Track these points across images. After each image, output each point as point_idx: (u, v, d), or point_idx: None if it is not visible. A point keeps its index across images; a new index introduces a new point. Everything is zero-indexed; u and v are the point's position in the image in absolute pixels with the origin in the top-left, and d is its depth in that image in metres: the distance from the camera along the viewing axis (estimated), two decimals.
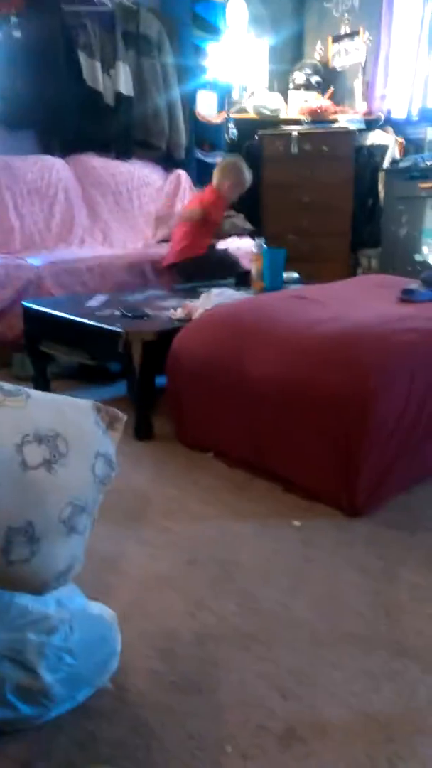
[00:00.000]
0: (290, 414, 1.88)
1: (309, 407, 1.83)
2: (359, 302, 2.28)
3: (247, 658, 1.29)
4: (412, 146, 4.01)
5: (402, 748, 1.09)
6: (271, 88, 4.72)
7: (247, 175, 3.30)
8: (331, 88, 4.50)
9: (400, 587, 1.49)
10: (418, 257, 3.77)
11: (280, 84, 4.73)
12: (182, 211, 3.46)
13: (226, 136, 4.43)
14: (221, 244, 3.50)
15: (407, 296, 2.30)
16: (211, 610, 1.43)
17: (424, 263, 3.67)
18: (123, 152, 4.05)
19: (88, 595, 1.25)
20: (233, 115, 4.53)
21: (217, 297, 2.60)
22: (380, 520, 1.76)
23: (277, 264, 2.99)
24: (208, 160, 4.40)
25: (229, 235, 3.52)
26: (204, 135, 4.45)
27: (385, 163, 4.01)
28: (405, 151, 4.00)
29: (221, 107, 4.54)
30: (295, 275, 3.06)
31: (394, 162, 3.96)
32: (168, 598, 1.48)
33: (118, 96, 3.90)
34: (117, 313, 2.54)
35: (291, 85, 4.65)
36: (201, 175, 4.28)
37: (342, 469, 1.76)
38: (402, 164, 3.92)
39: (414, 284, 2.39)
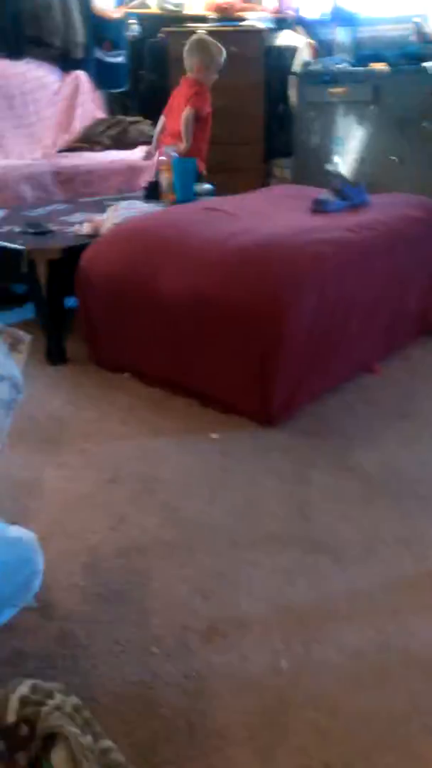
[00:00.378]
0: (205, 329, 1.87)
1: (223, 321, 1.82)
2: (271, 214, 2.25)
3: (170, 565, 1.33)
4: (322, 48, 3.86)
5: (316, 633, 1.18)
6: None
7: (215, 49, 3.03)
8: None
9: (312, 488, 1.57)
10: (329, 166, 3.74)
11: None
12: (182, 120, 3.06)
13: (126, 33, 4.09)
14: None
15: (319, 207, 2.28)
16: (132, 523, 1.46)
17: (336, 172, 3.64)
18: (13, 50, 3.65)
19: (7, 520, 1.23)
20: (134, 10, 4.17)
21: (125, 210, 2.47)
22: (294, 427, 1.83)
23: (188, 174, 2.87)
24: (109, 59, 4.07)
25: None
26: (103, 32, 4.09)
27: (296, 67, 3.86)
28: (316, 53, 3.85)
29: (120, 1, 4.16)
30: (208, 186, 2.96)
31: (304, 65, 3.82)
32: (89, 516, 1.49)
33: None
34: (17, 229, 2.38)
35: None
36: (102, 75, 3.96)
37: (257, 380, 1.79)
38: (312, 68, 3.78)
39: (325, 194, 2.37)
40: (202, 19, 4.10)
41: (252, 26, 4.00)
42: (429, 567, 1.32)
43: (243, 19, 4.05)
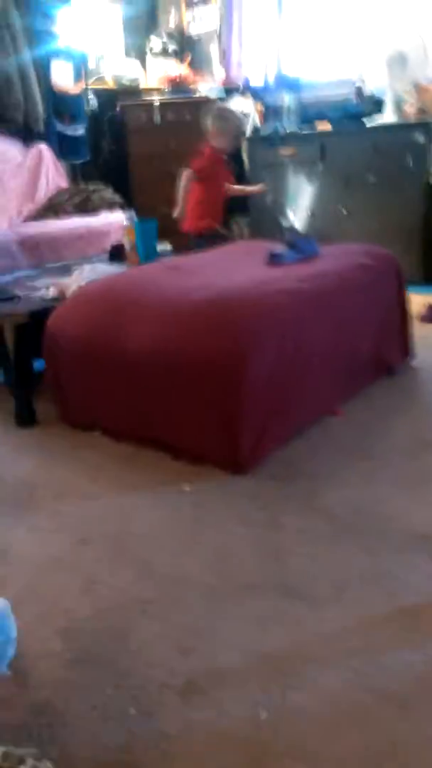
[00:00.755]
0: (170, 383, 1.91)
1: (187, 374, 1.87)
2: (230, 269, 2.34)
3: (145, 622, 1.33)
4: (270, 113, 4.10)
5: (292, 679, 1.17)
6: (128, 56, 4.61)
7: (229, 116, 3.22)
8: (189, 55, 4.48)
9: (282, 533, 1.59)
10: (284, 222, 3.91)
11: (138, 52, 4.64)
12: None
13: (86, 107, 4.29)
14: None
15: (274, 260, 2.38)
16: (105, 583, 1.45)
17: (288, 227, 3.81)
18: None
19: None
20: (91, 85, 4.40)
21: (89, 273, 2.55)
22: (262, 474, 1.85)
23: (150, 236, 2.98)
24: (69, 132, 4.25)
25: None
26: (63, 106, 4.29)
27: (247, 131, 4.08)
28: (264, 118, 4.08)
29: (78, 77, 4.38)
30: (168, 246, 3.07)
31: (255, 129, 4.04)
32: (62, 579, 1.47)
33: None
34: None
35: (149, 53, 4.57)
36: (63, 148, 4.14)
37: (223, 430, 1.83)
38: (262, 131, 4.00)
39: (280, 248, 2.48)
40: (156, 92, 4.34)
41: (203, 96, 4.24)
42: (398, 603, 1.34)
43: (195, 90, 4.29)
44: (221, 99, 4.22)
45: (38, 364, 2.28)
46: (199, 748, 1.06)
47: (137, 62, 4.56)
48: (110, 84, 4.46)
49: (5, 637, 1.20)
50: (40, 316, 2.23)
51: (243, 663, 1.22)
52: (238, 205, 4.19)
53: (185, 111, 4.19)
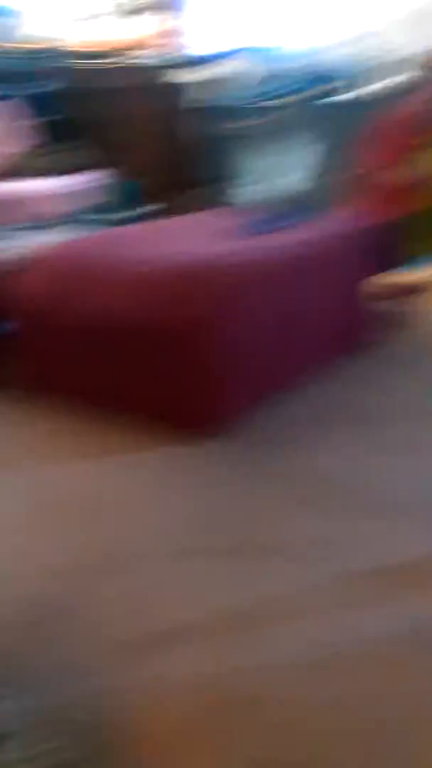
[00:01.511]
0: (135, 349, 1.91)
1: (150, 340, 1.87)
2: (198, 236, 2.32)
3: (110, 580, 1.33)
4: (226, 83, 3.97)
5: (258, 633, 1.19)
6: (94, 17, 4.44)
7: None
8: (152, 17, 4.32)
9: (254, 496, 1.62)
10: (232, 197, 3.83)
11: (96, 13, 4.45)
12: None
13: (46, 65, 4.11)
14: None
15: (246, 229, 2.35)
16: (71, 540, 1.45)
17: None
18: None
19: None
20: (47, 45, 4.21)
21: (56, 235, 2.50)
22: (233, 438, 1.86)
23: (125, 198, 2.90)
24: (39, 89, 4.07)
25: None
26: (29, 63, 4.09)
27: (197, 102, 3.96)
28: (220, 88, 3.96)
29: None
30: (146, 209, 3.00)
31: (196, 101, 3.91)
32: (19, 542, 1.45)
33: None
34: None
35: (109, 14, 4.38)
36: (34, 105, 3.96)
37: (191, 396, 1.84)
38: (216, 103, 3.88)
39: (250, 216, 2.45)
40: (101, 56, 4.17)
41: (146, 63, 4.09)
42: (373, 564, 1.36)
43: (138, 57, 4.14)
44: (168, 67, 4.07)
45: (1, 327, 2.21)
46: (159, 698, 1.06)
47: (100, 23, 4.38)
48: (66, 45, 4.28)
49: None
50: (2, 277, 2.16)
51: (209, 618, 1.23)
52: (190, 176, 4.07)
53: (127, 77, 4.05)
